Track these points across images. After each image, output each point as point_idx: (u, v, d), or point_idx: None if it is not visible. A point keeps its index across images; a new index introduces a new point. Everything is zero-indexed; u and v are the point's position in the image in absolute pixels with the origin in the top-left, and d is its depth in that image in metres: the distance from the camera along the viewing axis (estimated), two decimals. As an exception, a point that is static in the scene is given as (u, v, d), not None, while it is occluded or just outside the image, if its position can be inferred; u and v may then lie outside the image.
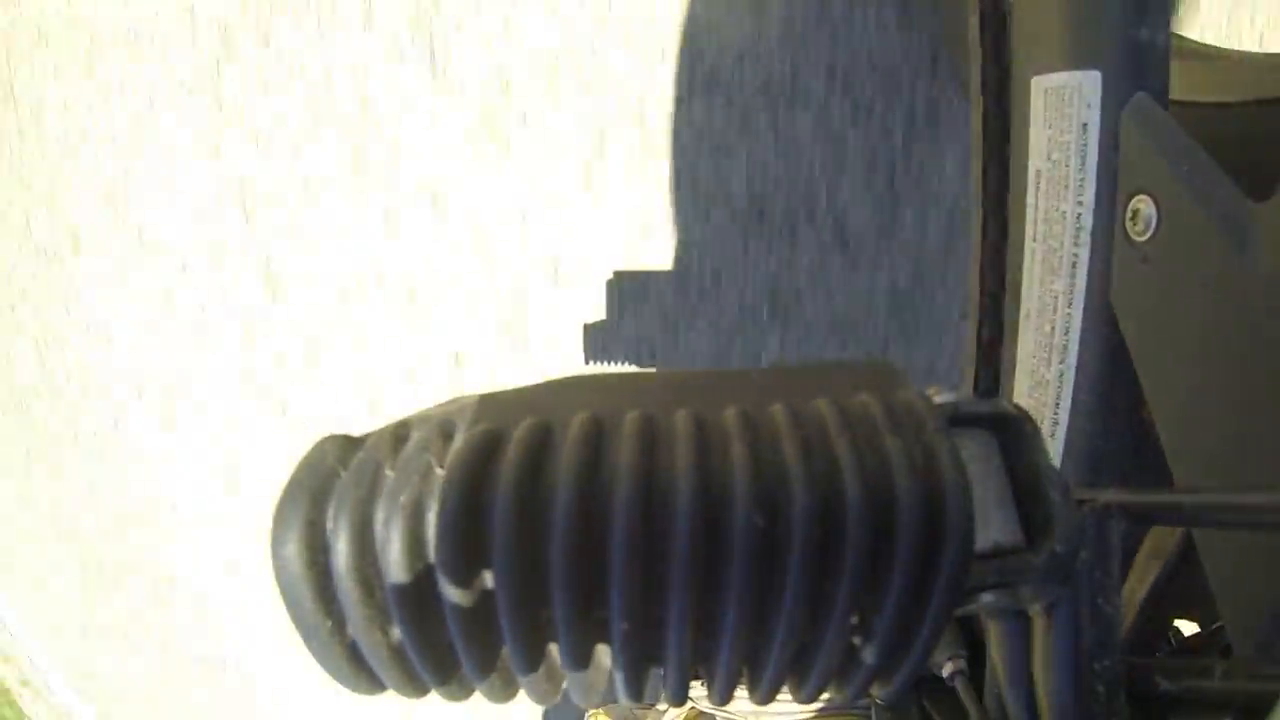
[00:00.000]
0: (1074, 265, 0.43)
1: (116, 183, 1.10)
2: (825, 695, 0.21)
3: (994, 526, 0.21)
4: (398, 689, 0.20)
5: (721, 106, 0.99)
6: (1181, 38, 0.82)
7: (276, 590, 0.18)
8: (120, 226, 1.13)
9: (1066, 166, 0.43)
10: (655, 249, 1.05)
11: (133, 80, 1.06)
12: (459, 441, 0.19)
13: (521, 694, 0.20)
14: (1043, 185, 0.45)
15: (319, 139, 1.05)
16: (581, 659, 0.19)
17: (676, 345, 1.08)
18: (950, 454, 0.18)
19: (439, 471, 0.18)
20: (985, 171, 0.49)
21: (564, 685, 0.20)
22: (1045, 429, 0.47)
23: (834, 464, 0.18)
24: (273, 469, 1.24)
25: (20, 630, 1.52)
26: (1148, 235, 0.39)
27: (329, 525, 0.18)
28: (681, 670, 0.19)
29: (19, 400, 1.28)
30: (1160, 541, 0.39)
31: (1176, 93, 0.41)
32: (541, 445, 0.19)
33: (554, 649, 0.19)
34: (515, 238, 1.06)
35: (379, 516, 0.18)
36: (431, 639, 0.19)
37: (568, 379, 0.22)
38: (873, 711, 0.41)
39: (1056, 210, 0.44)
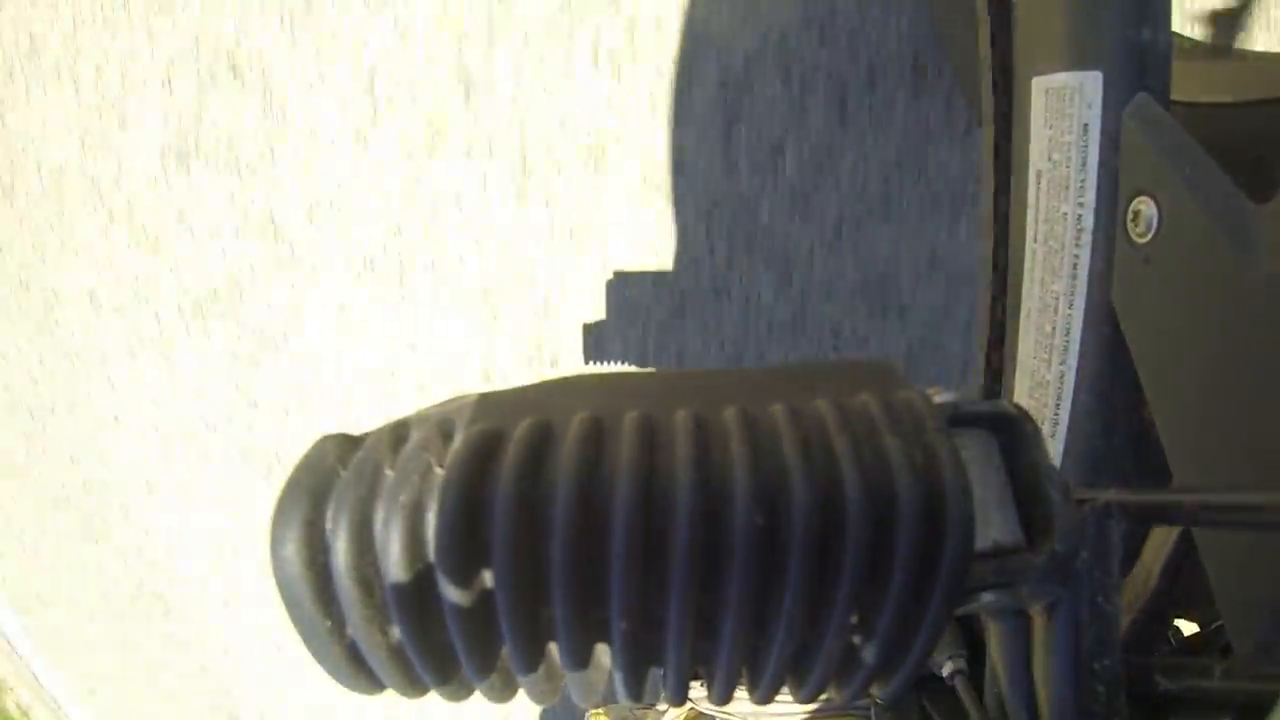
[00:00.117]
0: (1074, 266, 0.43)
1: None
2: (825, 695, 0.21)
3: (994, 526, 0.21)
4: (397, 689, 0.20)
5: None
6: (1183, 37, 0.82)
7: (276, 590, 0.18)
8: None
9: (1067, 167, 0.43)
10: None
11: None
12: (458, 441, 0.19)
13: (521, 694, 0.20)
14: (1043, 186, 0.45)
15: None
16: (581, 659, 0.19)
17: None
18: (950, 454, 0.18)
19: (438, 471, 0.18)
20: (994, 173, 0.49)
21: (564, 685, 0.20)
22: (1045, 429, 0.47)
23: (834, 463, 0.18)
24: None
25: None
26: (1149, 236, 0.39)
27: (328, 525, 0.18)
28: (681, 670, 0.19)
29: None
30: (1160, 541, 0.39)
31: (1178, 93, 0.41)
32: (541, 444, 0.19)
33: (554, 649, 0.19)
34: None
35: (378, 516, 0.18)
36: (431, 639, 0.18)
37: (567, 379, 0.22)
38: (873, 711, 0.41)
39: (1057, 211, 0.44)
